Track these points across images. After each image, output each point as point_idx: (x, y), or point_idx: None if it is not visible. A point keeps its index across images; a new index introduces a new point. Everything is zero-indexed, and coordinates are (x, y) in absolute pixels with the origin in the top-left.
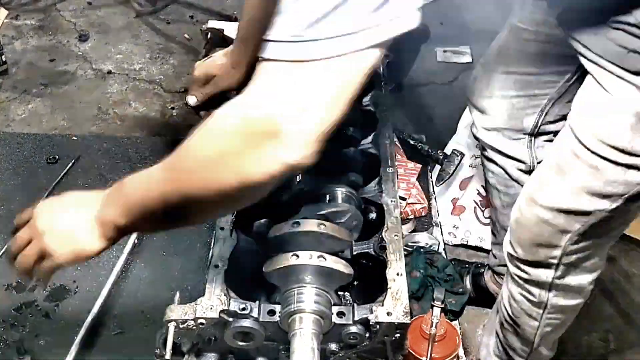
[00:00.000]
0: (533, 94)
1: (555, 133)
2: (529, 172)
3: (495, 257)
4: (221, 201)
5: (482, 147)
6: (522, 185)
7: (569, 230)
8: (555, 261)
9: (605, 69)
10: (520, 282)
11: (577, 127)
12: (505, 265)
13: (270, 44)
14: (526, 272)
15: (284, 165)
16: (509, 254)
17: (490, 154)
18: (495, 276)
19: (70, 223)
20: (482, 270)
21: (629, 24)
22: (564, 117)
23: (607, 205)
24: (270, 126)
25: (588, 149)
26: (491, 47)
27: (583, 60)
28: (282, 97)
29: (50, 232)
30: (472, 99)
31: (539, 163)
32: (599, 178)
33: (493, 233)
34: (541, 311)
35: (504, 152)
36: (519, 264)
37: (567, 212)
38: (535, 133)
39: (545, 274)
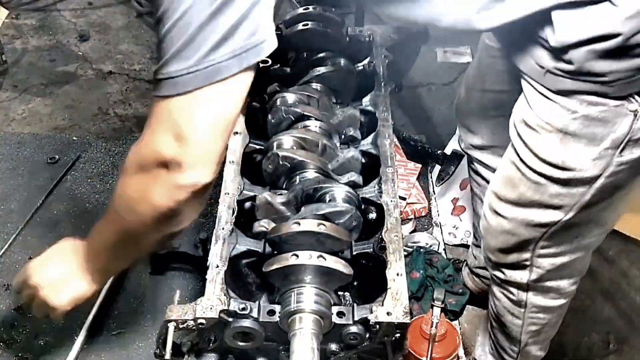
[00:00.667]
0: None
1: None
2: None
3: (475, 257)
4: (153, 230)
5: (470, 160)
6: None
7: (532, 239)
8: (527, 263)
9: (531, 85)
10: (499, 282)
11: (516, 144)
12: (484, 268)
13: (158, 83)
14: (503, 273)
15: (183, 189)
16: (486, 257)
17: (477, 167)
18: (474, 276)
19: (61, 274)
20: (462, 265)
21: (542, 38)
22: None
23: (561, 215)
24: (160, 158)
25: (528, 166)
26: (470, 65)
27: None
28: (167, 130)
29: (45, 286)
30: (458, 117)
31: None
32: (543, 192)
33: (475, 236)
34: (522, 310)
35: (492, 166)
36: (495, 266)
37: (526, 224)
38: None
39: (520, 276)
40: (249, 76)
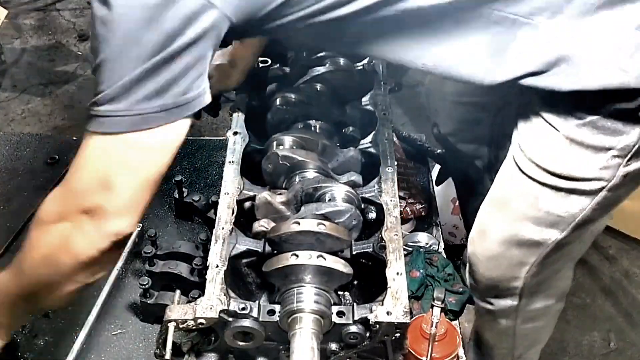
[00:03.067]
0: (483, 101)
1: None
2: (489, 171)
3: None
4: (70, 281)
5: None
6: (485, 187)
7: (525, 262)
8: (517, 291)
9: (534, 93)
10: (487, 313)
11: (516, 155)
12: None
13: (90, 118)
14: (491, 304)
15: (107, 237)
16: (472, 286)
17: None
18: None
19: None
20: (459, 263)
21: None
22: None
23: (557, 234)
24: (84, 205)
25: (529, 176)
26: None
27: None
28: (92, 175)
29: None
30: (429, 102)
31: (498, 162)
32: (540, 208)
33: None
34: (512, 334)
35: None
36: (482, 296)
37: (519, 244)
38: (491, 140)
39: (510, 303)
40: (182, 128)
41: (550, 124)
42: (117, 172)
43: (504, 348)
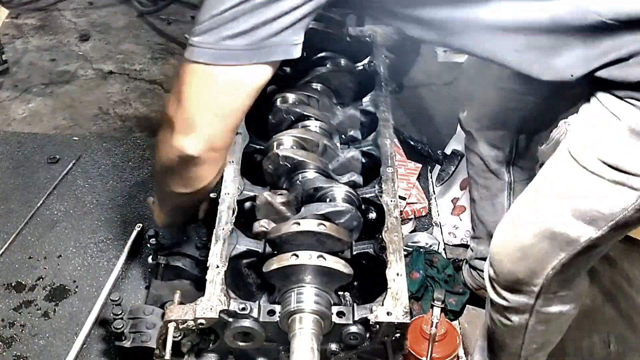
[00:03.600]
0: (523, 91)
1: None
2: (507, 162)
3: (472, 250)
4: (173, 171)
5: (466, 137)
6: (499, 178)
7: (552, 259)
8: (536, 289)
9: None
10: (500, 309)
11: (571, 142)
12: (482, 259)
13: (190, 48)
14: (506, 299)
15: (171, 150)
16: (490, 278)
17: (471, 142)
18: (472, 270)
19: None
20: (461, 264)
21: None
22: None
23: (592, 232)
24: (167, 116)
25: (581, 164)
26: None
27: None
28: (174, 92)
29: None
30: (465, 84)
31: (517, 155)
32: (585, 200)
33: (472, 228)
34: (523, 331)
35: (488, 143)
36: (498, 290)
37: (552, 237)
38: (521, 129)
39: (525, 301)
40: (262, 73)
41: (613, 113)
42: (188, 94)
43: (513, 347)
